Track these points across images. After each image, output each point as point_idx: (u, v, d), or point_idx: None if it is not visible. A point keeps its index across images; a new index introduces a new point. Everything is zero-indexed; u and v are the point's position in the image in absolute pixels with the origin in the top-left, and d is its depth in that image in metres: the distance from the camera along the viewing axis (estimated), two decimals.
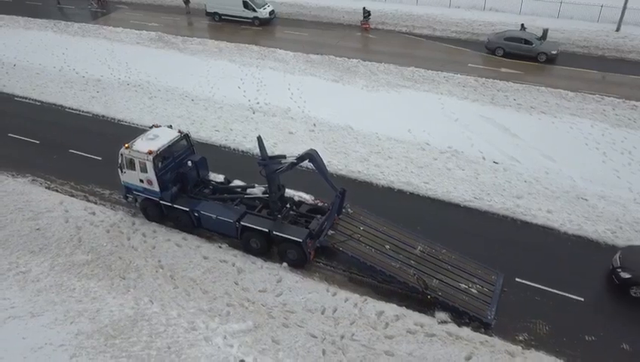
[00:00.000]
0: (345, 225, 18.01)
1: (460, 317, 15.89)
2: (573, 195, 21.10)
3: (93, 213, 20.90)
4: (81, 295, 17.03)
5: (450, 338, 15.27)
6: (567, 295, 16.80)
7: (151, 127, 20.66)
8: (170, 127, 20.74)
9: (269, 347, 15.13)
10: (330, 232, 17.59)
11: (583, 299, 16.66)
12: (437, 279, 16.49)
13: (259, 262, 18.17)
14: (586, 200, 20.85)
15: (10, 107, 30.52)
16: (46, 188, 22.95)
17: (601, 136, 25.05)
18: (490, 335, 15.51)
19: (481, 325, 15.73)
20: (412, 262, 16.92)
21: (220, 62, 34.88)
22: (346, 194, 17.81)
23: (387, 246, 17.34)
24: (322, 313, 16.19)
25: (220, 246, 18.98)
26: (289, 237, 17.49)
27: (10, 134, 27.21)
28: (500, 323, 15.95)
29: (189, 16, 44.97)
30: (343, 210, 18.45)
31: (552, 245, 18.89)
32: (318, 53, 35.33)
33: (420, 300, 16.57)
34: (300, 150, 24.16)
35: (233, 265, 18.07)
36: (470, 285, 16.48)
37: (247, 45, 37.31)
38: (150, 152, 18.48)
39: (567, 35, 37.06)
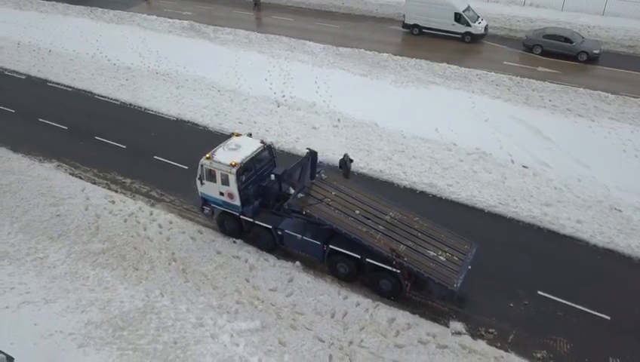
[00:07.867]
0: (317, 190, 17.43)
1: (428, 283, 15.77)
2: (607, 205, 19.92)
3: (113, 202, 21.04)
4: (94, 284, 17.15)
5: (463, 351, 14.63)
6: (592, 312, 15.84)
7: (230, 135, 19.54)
8: (250, 135, 19.63)
9: (275, 348, 14.85)
10: (300, 195, 16.98)
11: (609, 318, 15.67)
12: (404, 245, 15.88)
13: (271, 259, 17.89)
14: (619, 211, 19.65)
15: (43, 92, 31.16)
16: (70, 174, 23.24)
17: None
18: (507, 350, 14.79)
19: (446, 293, 15.47)
20: (380, 227, 16.34)
21: (249, 53, 34.60)
22: (317, 156, 17.34)
23: (357, 211, 16.80)
24: (332, 316, 15.79)
25: (234, 241, 18.77)
26: (384, 266, 15.94)
27: (40, 119, 27.75)
28: (518, 338, 15.20)
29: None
30: (317, 176, 17.84)
31: (580, 258, 17.88)
32: (347, 46, 34.67)
33: (435, 309, 16.00)
34: (323, 146, 24.00)
35: (246, 261, 17.85)
36: (439, 253, 15.87)
37: (276, 36, 36.97)
38: (233, 164, 17.25)
39: (612, 33, 35.17)
